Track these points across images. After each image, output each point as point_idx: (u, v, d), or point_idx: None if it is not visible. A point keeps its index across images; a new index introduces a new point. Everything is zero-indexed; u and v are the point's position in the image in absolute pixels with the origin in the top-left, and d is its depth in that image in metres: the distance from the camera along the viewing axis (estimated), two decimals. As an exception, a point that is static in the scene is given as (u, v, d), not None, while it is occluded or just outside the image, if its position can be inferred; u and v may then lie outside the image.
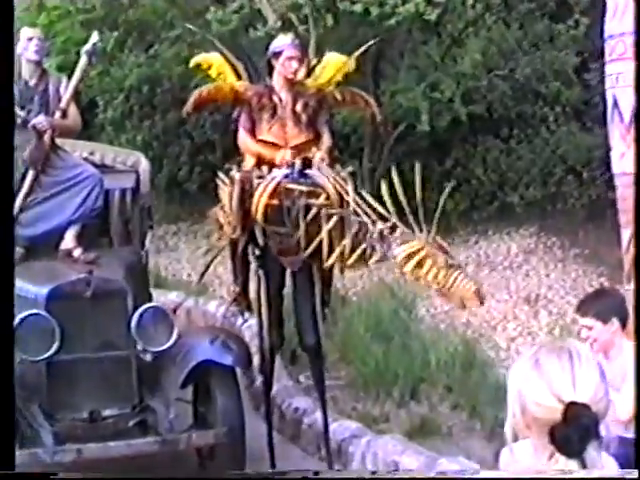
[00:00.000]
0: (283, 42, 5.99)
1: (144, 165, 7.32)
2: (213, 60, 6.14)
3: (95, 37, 6.89)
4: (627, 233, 5.20)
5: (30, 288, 5.83)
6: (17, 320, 5.55)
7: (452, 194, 11.17)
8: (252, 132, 5.94)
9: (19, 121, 6.56)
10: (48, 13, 11.26)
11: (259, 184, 5.63)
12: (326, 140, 5.99)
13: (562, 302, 9.09)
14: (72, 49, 10.98)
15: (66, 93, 6.76)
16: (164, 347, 5.89)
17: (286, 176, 5.60)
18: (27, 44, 6.75)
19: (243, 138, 5.98)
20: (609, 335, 4.42)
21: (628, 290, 5.06)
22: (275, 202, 5.59)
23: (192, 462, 6.09)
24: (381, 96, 10.75)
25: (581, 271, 9.82)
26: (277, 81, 5.97)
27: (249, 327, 8.29)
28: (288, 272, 5.97)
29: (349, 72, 6.14)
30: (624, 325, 4.51)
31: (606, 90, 5.31)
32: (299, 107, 5.90)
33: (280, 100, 5.91)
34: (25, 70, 6.79)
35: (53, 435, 5.54)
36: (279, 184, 5.60)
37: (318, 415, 6.56)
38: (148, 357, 6.05)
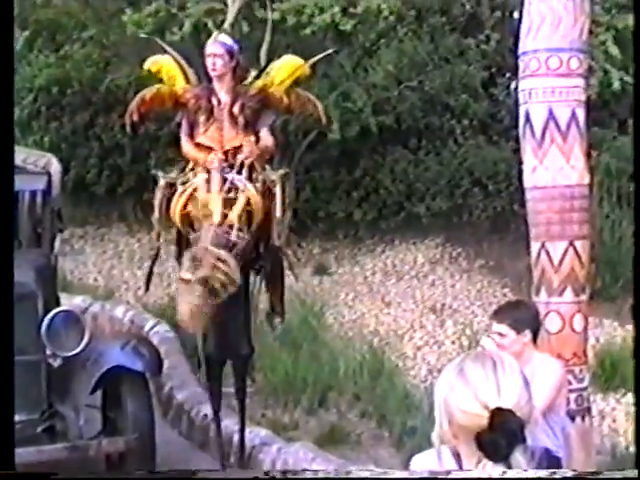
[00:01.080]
0: (210, 41, 5.99)
1: (55, 167, 7.22)
2: (163, 63, 6.07)
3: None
4: (536, 246, 5.31)
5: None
6: None
7: (360, 204, 11.29)
8: (191, 136, 5.86)
9: None
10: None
11: (182, 191, 5.60)
12: (263, 142, 5.84)
13: (467, 312, 9.26)
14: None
15: (-24, 92, 6.63)
16: (74, 352, 5.83)
17: (207, 181, 5.57)
18: None
19: (183, 143, 5.91)
20: (520, 345, 4.53)
21: (538, 302, 5.17)
22: (191, 210, 5.56)
23: (100, 468, 6.03)
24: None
25: (486, 282, 10.00)
26: (217, 82, 5.87)
27: (157, 332, 8.28)
28: None
29: (303, 77, 6.08)
30: (535, 338, 4.63)
31: (519, 105, 5.40)
32: (236, 109, 5.79)
33: (219, 102, 5.82)
34: None
35: None
36: (195, 190, 5.59)
37: (227, 422, 6.55)
38: (57, 362, 5.97)
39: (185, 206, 5.62)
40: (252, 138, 5.77)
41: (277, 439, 6.34)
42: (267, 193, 5.68)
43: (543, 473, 2.46)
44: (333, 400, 7.23)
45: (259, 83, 5.93)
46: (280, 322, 6.51)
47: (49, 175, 7.12)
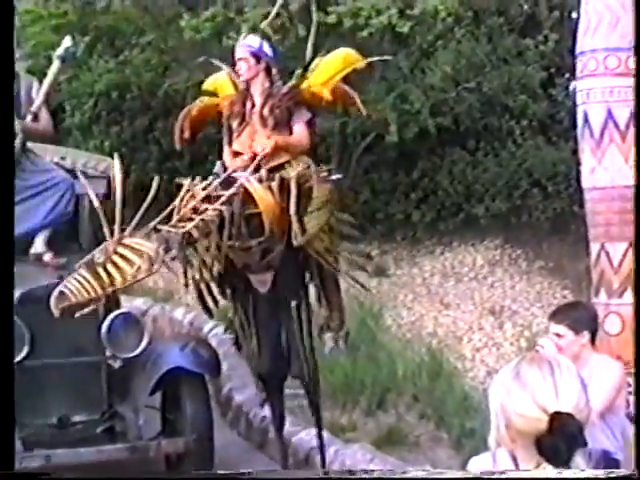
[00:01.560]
0: (237, 45, 5.93)
1: (115, 170, 7.27)
2: (218, 79, 6.01)
3: (68, 42, 6.87)
4: (596, 247, 5.26)
5: (-1, 292, 5.79)
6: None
7: (418, 205, 11.27)
8: (230, 144, 5.76)
9: None
10: (20, 17, 11.21)
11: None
12: (294, 137, 5.66)
13: (527, 314, 9.18)
14: (42, 53, 10.94)
15: (37, 97, 6.74)
16: (134, 354, 5.89)
17: (220, 184, 5.36)
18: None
19: (224, 152, 5.82)
20: (578, 346, 4.48)
21: (597, 303, 5.12)
22: (208, 212, 5.26)
23: (159, 468, 6.08)
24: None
25: (546, 283, 9.91)
26: (252, 86, 5.76)
27: (216, 334, 8.32)
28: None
29: (353, 71, 5.83)
30: (593, 339, 4.58)
31: (577, 106, 5.37)
32: (266, 110, 5.64)
33: (253, 105, 5.71)
34: (-5, 73, 6.76)
35: (21, 440, 5.51)
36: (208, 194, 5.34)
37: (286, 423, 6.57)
38: (117, 363, 6.03)
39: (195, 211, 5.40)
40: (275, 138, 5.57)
41: (335, 440, 6.34)
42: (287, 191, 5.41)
43: (600, 472, 2.44)
44: (391, 402, 7.22)
45: (293, 81, 5.75)
46: (337, 339, 5.91)
47: (109, 179, 7.21)
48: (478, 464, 2.69)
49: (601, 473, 2.44)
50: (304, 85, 5.72)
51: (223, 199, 5.22)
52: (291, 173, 5.47)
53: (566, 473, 2.38)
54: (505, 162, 10.84)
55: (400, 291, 10.02)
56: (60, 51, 6.83)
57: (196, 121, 5.90)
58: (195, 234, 5.18)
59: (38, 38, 11.30)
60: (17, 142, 6.57)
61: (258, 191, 5.31)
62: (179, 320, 9.31)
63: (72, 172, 7.00)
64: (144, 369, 5.91)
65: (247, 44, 5.84)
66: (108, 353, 5.90)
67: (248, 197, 5.31)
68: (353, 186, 11.42)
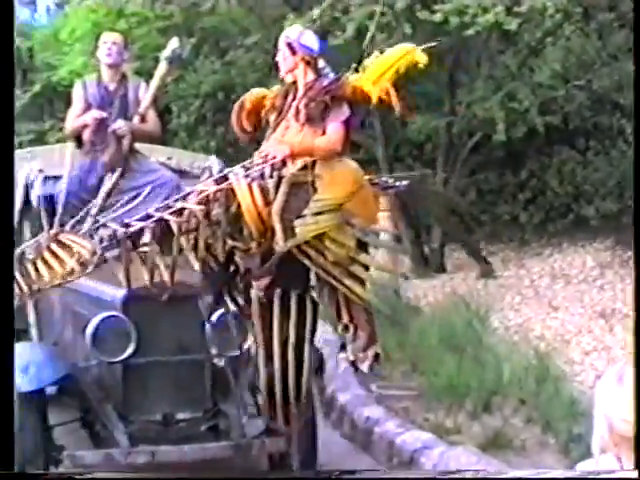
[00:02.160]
0: None
1: (217, 169, 7.32)
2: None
3: (175, 43, 6.91)
4: None
5: (106, 290, 5.87)
6: (95, 322, 5.61)
7: (526, 206, 11.11)
8: (268, 139, 5.42)
9: (99, 125, 6.67)
10: (127, 19, 11.39)
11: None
12: (322, 143, 5.13)
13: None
14: (149, 55, 11.10)
15: (145, 98, 6.81)
16: (238, 352, 5.89)
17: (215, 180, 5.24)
18: (102, 48, 6.86)
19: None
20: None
21: None
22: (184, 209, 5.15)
23: (263, 467, 6.08)
24: (457, 106, 10.71)
25: (659, 286, 9.66)
26: (298, 79, 5.37)
27: (320, 334, 8.30)
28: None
29: (411, 66, 5.15)
30: None
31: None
32: (302, 104, 5.20)
33: (294, 98, 5.31)
34: (105, 74, 6.88)
35: (127, 436, 5.56)
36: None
37: (389, 425, 6.53)
38: (222, 361, 6.04)
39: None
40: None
41: (440, 443, 6.26)
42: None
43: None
44: (497, 405, 7.10)
45: (336, 75, 5.30)
46: (362, 359, 5.34)
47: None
48: (584, 469, 2.62)
49: (601, 473, 2.37)
50: (348, 80, 5.22)
51: (201, 197, 5.08)
52: (286, 173, 5.08)
53: (570, 473, 2.31)
54: (616, 161, 10.63)
55: (507, 293, 9.89)
56: (167, 53, 6.87)
57: (251, 114, 5.56)
58: (174, 229, 5.09)
59: (145, 40, 11.47)
60: (125, 143, 6.67)
61: (241, 189, 5.01)
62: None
63: (178, 172, 7.07)
64: (248, 367, 5.91)
65: (285, 34, 5.44)
66: (213, 351, 5.91)
67: (234, 196, 5.06)
68: (459, 187, 11.34)
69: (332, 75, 5.34)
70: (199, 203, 5.15)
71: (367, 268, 5.19)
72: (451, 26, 9.20)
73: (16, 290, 4.86)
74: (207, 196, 5.17)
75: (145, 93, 6.83)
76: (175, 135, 12.07)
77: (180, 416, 5.78)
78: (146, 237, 5.33)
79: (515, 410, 7.04)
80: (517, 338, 8.58)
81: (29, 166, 6.86)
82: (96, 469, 5.31)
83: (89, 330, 5.60)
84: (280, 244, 4.98)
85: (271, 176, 5.09)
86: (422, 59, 5.12)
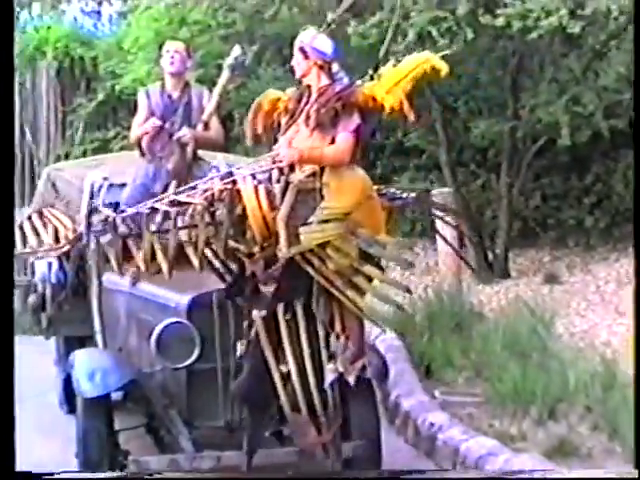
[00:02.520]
0: None
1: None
2: None
3: (237, 51, 6.95)
4: None
5: (171, 296, 5.91)
6: (159, 327, 5.65)
7: (592, 210, 10.99)
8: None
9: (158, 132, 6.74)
10: (189, 27, 11.46)
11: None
12: (330, 153, 5.05)
13: None
14: (211, 63, 11.16)
15: (208, 106, 6.86)
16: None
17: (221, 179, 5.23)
18: (165, 57, 6.93)
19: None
20: None
21: None
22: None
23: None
24: (520, 110, 10.63)
25: None
26: (312, 84, 5.32)
27: (383, 340, 8.29)
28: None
29: (432, 74, 5.06)
30: None
31: None
32: (313, 108, 5.14)
33: (306, 103, 5.27)
34: (168, 83, 6.95)
35: (192, 442, 5.60)
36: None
37: (454, 431, 6.49)
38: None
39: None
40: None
41: (504, 450, 6.21)
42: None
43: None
44: (563, 412, 7.01)
45: (348, 82, 5.24)
46: (350, 371, 5.36)
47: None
48: None
49: (601, 473, 2.34)
50: (362, 87, 5.16)
51: (207, 194, 5.11)
52: (294, 180, 5.04)
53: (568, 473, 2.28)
54: (683, 165, 10.47)
55: (572, 298, 9.78)
56: (230, 60, 6.91)
57: (267, 115, 5.49)
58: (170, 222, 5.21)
59: (207, 48, 11.52)
60: (189, 150, 6.72)
61: (247, 191, 5.00)
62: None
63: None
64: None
65: (299, 38, 5.37)
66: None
67: (239, 197, 5.05)
68: (524, 191, 11.25)
69: (347, 80, 5.27)
70: (204, 200, 5.17)
71: (371, 280, 5.15)
72: (514, 30, 9.13)
73: None
74: (212, 194, 5.17)
75: (208, 101, 6.89)
76: (238, 142, 12.12)
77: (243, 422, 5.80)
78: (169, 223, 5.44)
79: (581, 417, 6.95)
80: (583, 344, 8.47)
81: (94, 174, 6.94)
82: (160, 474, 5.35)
83: (154, 336, 5.65)
84: (284, 250, 4.96)
85: (278, 181, 5.08)
86: (442, 67, 5.04)
